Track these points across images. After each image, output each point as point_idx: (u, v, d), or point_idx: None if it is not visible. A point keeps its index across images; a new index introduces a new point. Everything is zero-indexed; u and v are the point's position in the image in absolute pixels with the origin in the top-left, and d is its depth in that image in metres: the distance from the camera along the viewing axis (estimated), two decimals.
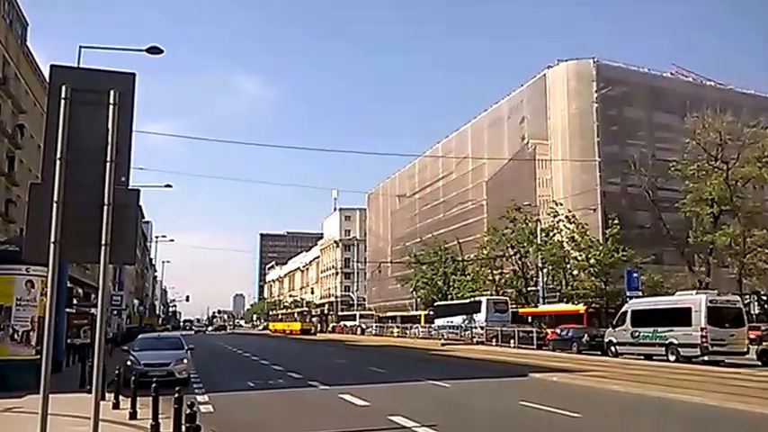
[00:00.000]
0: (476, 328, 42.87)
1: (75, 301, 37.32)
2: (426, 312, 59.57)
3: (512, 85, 77.92)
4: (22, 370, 13.38)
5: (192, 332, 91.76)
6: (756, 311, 41.30)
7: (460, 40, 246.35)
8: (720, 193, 36.24)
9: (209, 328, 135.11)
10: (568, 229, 43.78)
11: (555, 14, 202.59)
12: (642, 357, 25.86)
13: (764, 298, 43.87)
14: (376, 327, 64.84)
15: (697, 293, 26.19)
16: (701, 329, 23.33)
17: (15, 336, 14.42)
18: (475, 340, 41.40)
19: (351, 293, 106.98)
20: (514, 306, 47.20)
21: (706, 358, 23.12)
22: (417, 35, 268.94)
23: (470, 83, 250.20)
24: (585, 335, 31.32)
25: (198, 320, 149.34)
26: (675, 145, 44.84)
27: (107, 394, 11.86)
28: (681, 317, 24.41)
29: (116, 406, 11.45)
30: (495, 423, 11.51)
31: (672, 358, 24.23)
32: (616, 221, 41.76)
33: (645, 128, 55.51)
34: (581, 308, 38.31)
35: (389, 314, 70.20)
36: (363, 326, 68.16)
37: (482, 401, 14.56)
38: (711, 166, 37.13)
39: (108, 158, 6.77)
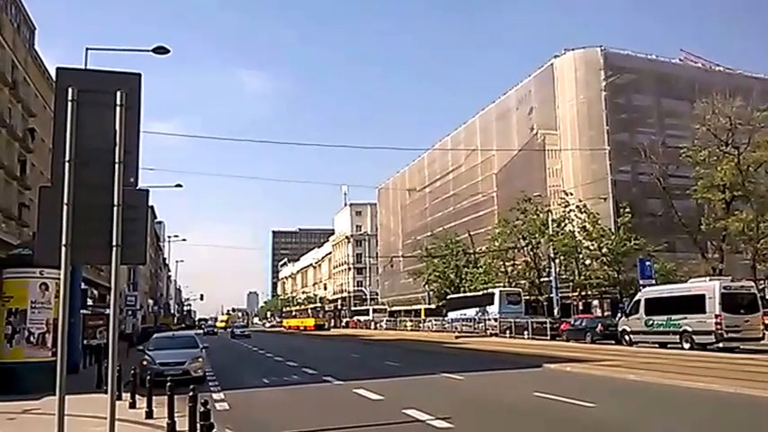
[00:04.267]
0: (489, 320, 42.85)
1: (90, 303, 37.74)
2: (426, 306, 60.27)
3: (518, 75, 77.39)
4: (39, 372, 13.47)
5: (211, 333, 71.70)
6: None
7: (466, 37, 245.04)
8: (732, 179, 35.86)
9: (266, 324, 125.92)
10: (580, 218, 43.55)
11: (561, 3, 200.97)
12: (656, 346, 25.71)
13: None
14: (387, 321, 65.05)
15: (710, 280, 26.00)
16: (716, 316, 23.13)
17: (31, 338, 14.57)
18: (489, 332, 41.38)
19: (363, 288, 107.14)
20: (527, 297, 47.16)
21: (721, 345, 22.94)
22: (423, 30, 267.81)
23: (475, 80, 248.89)
24: (599, 324, 31.25)
25: (213, 318, 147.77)
26: (685, 131, 44.41)
27: (123, 394, 11.95)
28: (695, 304, 24.22)
29: (132, 405, 11.55)
30: (510, 414, 11.50)
31: (686, 346, 24.07)
32: (627, 210, 41.47)
33: (654, 115, 55.02)
34: None
35: (394, 308, 70.82)
36: (376, 320, 68.36)
37: (496, 393, 14.56)
38: (722, 152, 36.72)
39: (116, 159, 6.81)
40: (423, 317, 57.36)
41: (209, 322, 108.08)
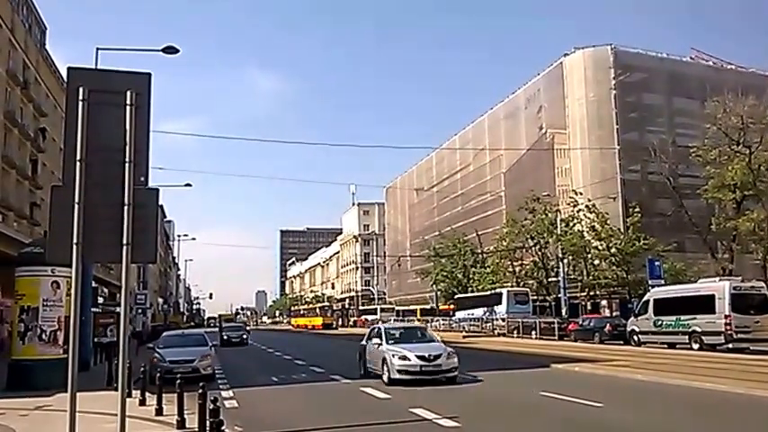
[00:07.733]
0: (497, 319, 42.77)
1: (100, 301, 38.04)
2: (421, 307, 60.40)
3: (526, 74, 77.08)
4: (51, 369, 13.65)
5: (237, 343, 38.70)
6: None
7: (474, 35, 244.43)
8: (743, 178, 35.54)
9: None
10: (588, 218, 43.35)
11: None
12: (665, 346, 25.59)
13: None
14: (395, 321, 65.11)
15: (720, 280, 25.83)
16: (725, 317, 22.99)
17: (43, 336, 14.72)
18: (496, 332, 41.30)
19: (371, 288, 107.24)
20: (535, 297, 46.99)
21: (730, 346, 22.79)
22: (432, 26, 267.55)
23: (484, 76, 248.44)
24: (608, 325, 31.12)
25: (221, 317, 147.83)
26: (696, 130, 44.04)
27: (134, 391, 12.06)
28: (704, 304, 24.07)
29: (142, 402, 11.66)
30: (517, 414, 11.50)
31: (695, 346, 23.94)
32: (637, 210, 41.21)
33: (664, 114, 54.68)
34: None
35: (402, 308, 71.10)
36: (384, 319, 68.43)
37: (503, 393, 14.56)
38: (733, 151, 36.40)
39: (126, 159, 6.88)
40: (418, 316, 57.71)
41: (233, 323, 57.55)
